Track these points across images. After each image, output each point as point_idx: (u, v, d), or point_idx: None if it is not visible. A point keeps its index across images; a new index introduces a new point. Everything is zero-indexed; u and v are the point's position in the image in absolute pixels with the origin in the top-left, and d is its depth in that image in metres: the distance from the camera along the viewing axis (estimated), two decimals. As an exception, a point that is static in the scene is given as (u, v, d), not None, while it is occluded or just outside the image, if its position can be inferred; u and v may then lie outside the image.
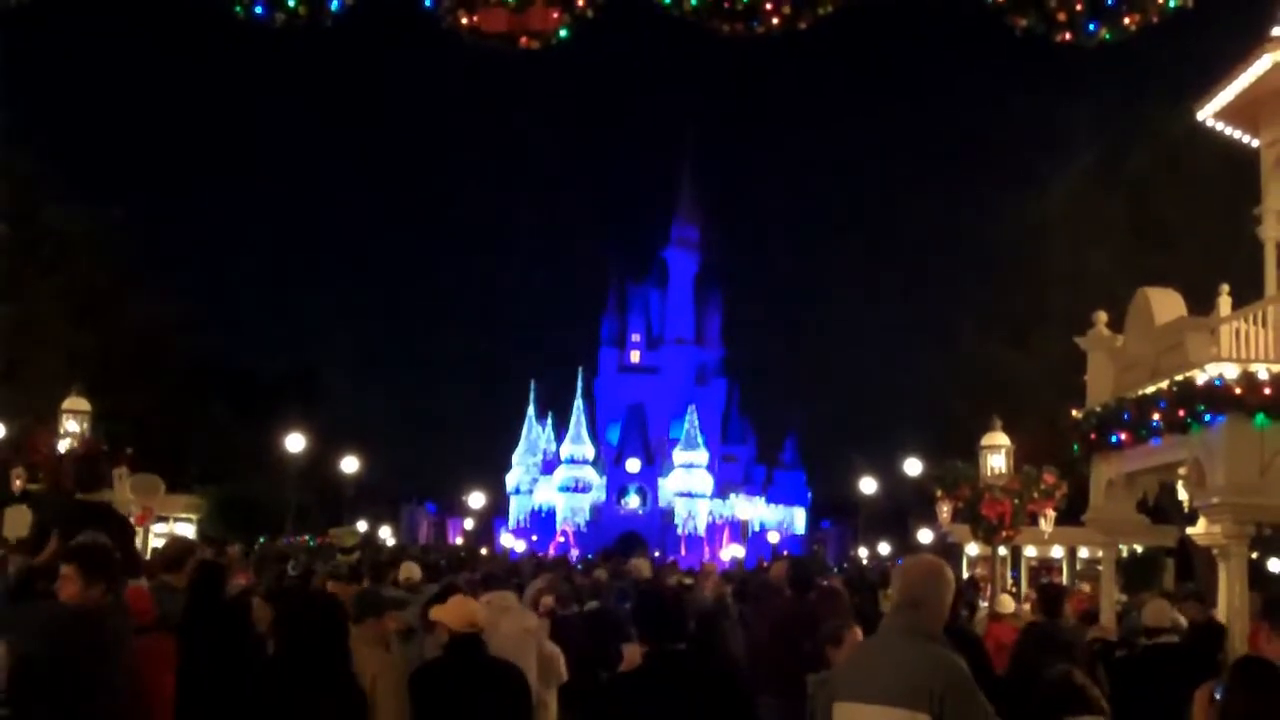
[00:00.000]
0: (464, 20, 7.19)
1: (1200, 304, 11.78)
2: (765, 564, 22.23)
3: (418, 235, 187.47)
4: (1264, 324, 11.01)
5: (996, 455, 19.18)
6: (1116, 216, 33.97)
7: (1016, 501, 18.84)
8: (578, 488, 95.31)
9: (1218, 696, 6.18)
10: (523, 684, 6.46)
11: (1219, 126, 13.31)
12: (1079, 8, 6.78)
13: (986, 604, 16.08)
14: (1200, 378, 10.53)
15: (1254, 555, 13.43)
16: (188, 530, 33.02)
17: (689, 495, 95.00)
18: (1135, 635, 10.59)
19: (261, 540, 35.51)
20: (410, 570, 12.72)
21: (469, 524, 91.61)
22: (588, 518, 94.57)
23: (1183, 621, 10.48)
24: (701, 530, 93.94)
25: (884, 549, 66.12)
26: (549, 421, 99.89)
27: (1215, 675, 6.92)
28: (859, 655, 5.15)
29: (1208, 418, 10.41)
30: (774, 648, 9.89)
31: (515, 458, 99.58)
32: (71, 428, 20.16)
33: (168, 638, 7.26)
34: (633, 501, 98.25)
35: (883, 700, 4.74)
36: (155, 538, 29.50)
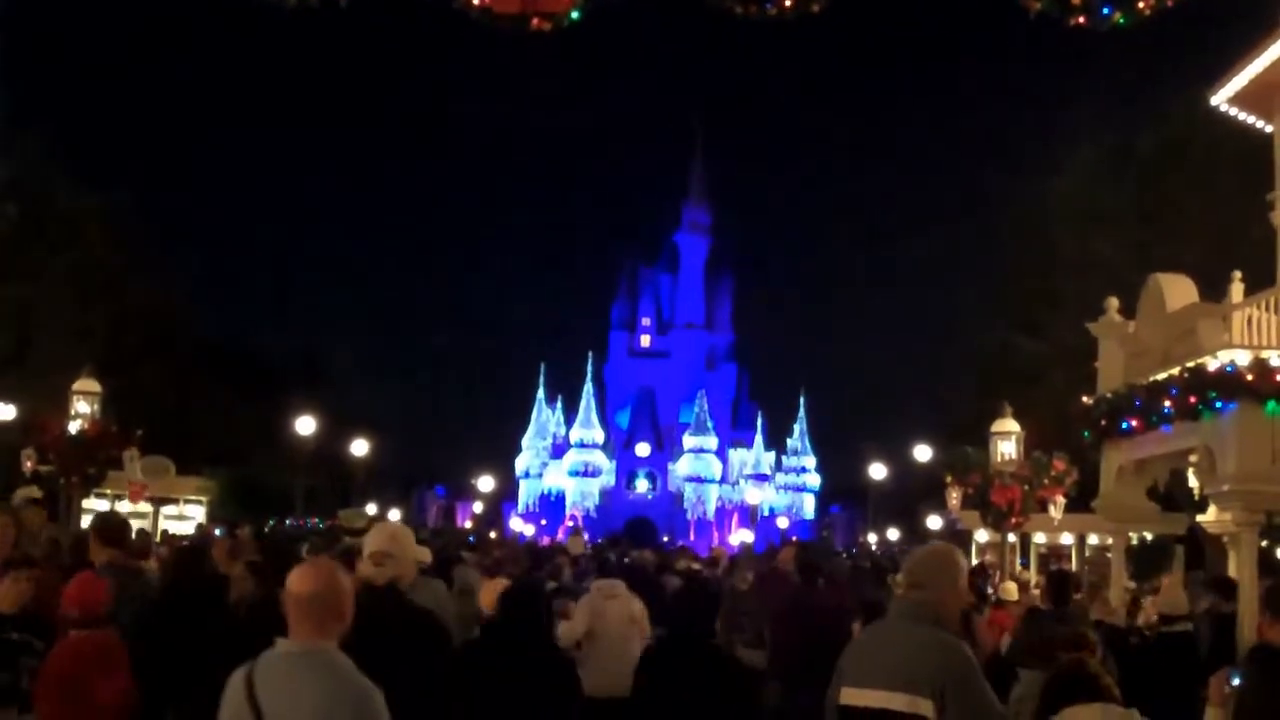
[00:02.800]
0: (475, 1, 7.16)
1: (1212, 290, 11.72)
2: (775, 548, 22.20)
3: (427, 217, 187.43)
4: (1276, 310, 10.95)
5: (1006, 441, 19.17)
6: (1127, 202, 33.88)
7: (1026, 488, 18.83)
8: (587, 472, 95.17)
9: (1234, 682, 6.16)
10: (568, 675, 6.06)
11: (1232, 111, 13.27)
12: (1093, -9, 6.72)
13: (993, 591, 16.06)
14: (1212, 364, 10.48)
15: (1264, 543, 13.37)
16: (197, 512, 33.09)
17: (698, 480, 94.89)
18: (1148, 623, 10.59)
19: (271, 523, 35.64)
20: (421, 553, 12.77)
21: (478, 507, 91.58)
22: (597, 502, 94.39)
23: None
24: (711, 515, 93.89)
25: (893, 535, 66.17)
26: (558, 405, 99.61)
27: (1230, 663, 6.91)
28: (864, 641, 5.15)
29: (1219, 405, 10.36)
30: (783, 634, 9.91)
31: (524, 441, 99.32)
32: (82, 409, 20.19)
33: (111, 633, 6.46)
34: (642, 486, 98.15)
35: (885, 685, 4.74)
36: (165, 520, 29.63)
